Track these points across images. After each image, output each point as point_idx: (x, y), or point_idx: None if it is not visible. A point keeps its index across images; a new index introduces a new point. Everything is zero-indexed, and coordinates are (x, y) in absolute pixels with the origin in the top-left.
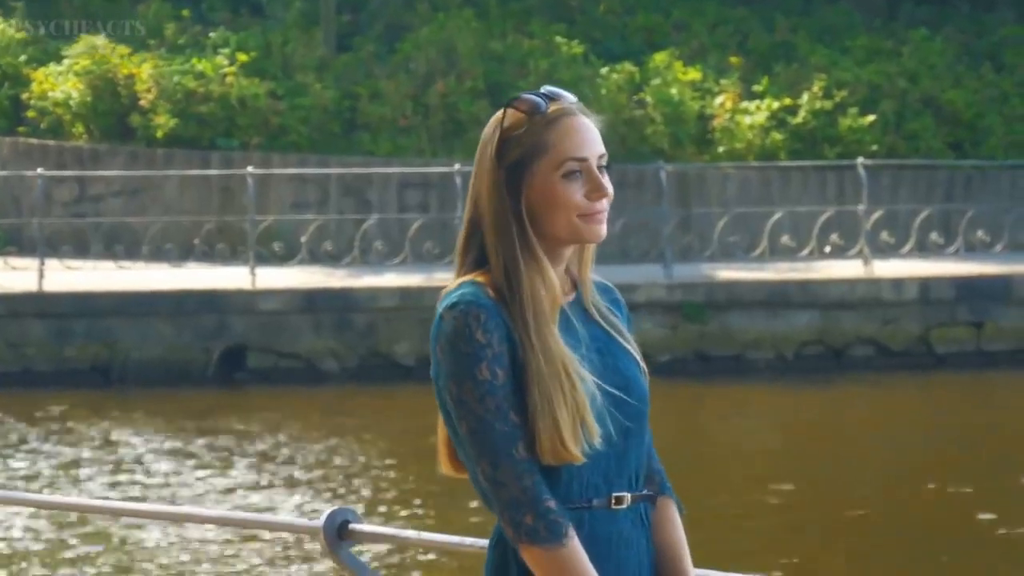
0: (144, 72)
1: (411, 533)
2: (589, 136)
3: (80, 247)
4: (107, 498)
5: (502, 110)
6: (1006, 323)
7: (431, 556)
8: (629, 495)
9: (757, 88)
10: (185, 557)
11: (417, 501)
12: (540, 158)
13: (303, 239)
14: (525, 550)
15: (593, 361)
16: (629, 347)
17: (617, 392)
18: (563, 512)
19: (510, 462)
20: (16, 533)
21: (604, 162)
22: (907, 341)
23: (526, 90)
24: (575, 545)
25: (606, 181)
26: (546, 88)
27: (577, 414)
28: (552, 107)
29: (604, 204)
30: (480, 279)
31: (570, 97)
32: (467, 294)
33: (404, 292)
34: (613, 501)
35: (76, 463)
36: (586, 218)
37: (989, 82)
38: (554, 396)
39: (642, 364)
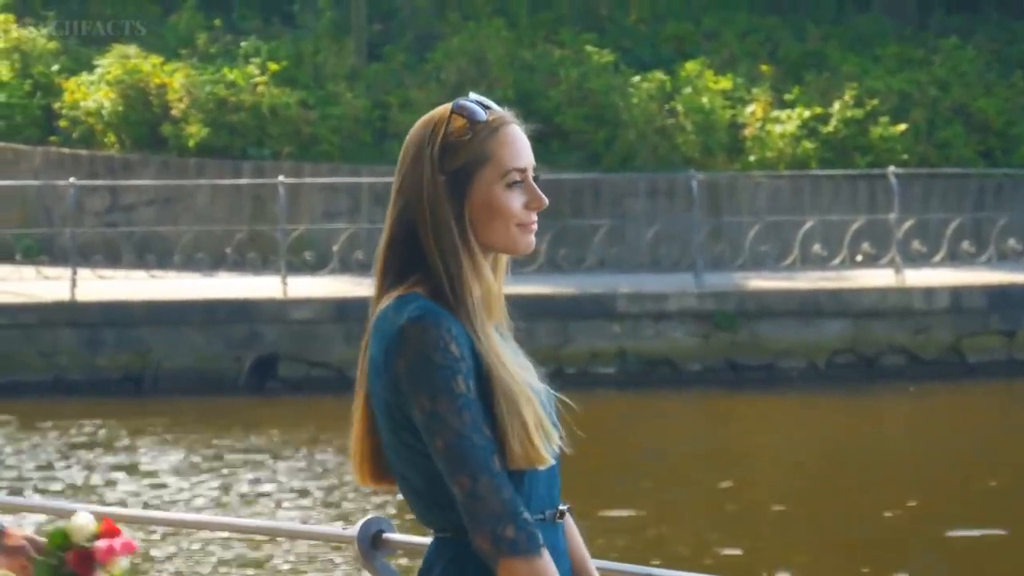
0: (176, 81)
1: None
2: (525, 146)
3: (112, 256)
4: (141, 508)
5: (444, 116)
6: None
7: None
8: (566, 508)
9: (788, 97)
10: (215, 568)
11: None
12: (484, 166)
13: (334, 248)
14: (506, 563)
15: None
16: (531, 361)
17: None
18: (535, 522)
19: (489, 476)
20: None
21: (535, 172)
22: (939, 350)
23: (460, 98)
24: (547, 554)
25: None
26: (474, 96)
27: (536, 417)
28: (490, 115)
29: (536, 215)
30: (419, 290)
31: (495, 106)
32: (426, 307)
33: None
34: (558, 515)
35: (106, 472)
36: (522, 228)
37: (1020, 90)
38: (520, 400)
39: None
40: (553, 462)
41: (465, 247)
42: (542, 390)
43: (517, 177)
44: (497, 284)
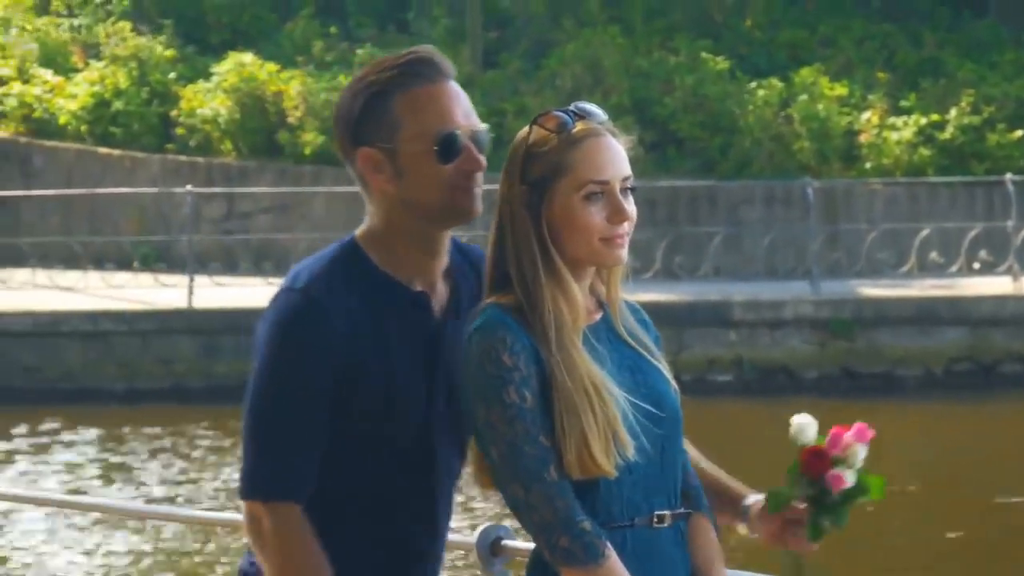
0: (292, 89)
1: None
2: (613, 158)
3: (229, 264)
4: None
5: (528, 126)
6: None
7: None
8: (669, 513)
9: (904, 104)
10: None
11: None
12: (562, 178)
13: None
14: (565, 572)
15: (623, 379)
16: (660, 365)
17: (651, 408)
18: (598, 531)
19: (541, 485)
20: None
21: (629, 184)
22: None
23: (556, 107)
24: (613, 563)
25: (629, 204)
26: (576, 105)
27: (608, 427)
28: (579, 126)
29: (625, 228)
30: (504, 300)
31: (600, 115)
32: (492, 317)
33: None
34: (655, 519)
35: (226, 480)
36: (607, 242)
37: None
38: (581, 410)
39: (673, 383)
40: (615, 473)
41: (544, 258)
42: (626, 401)
43: (596, 189)
44: (612, 291)
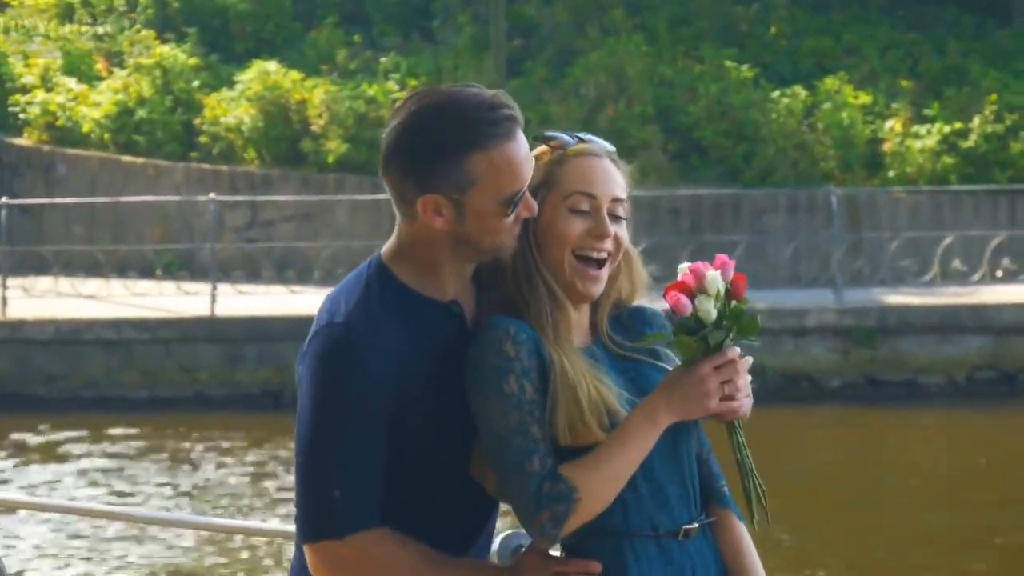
0: (315, 97)
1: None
2: (605, 177)
3: (252, 272)
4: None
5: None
6: None
7: None
8: (696, 524)
9: (928, 112)
10: None
11: None
12: (552, 189)
13: None
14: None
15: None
16: (666, 366)
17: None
18: (565, 486)
19: (521, 475)
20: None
21: (621, 212)
22: None
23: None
24: (583, 504)
25: (620, 229)
26: (582, 135)
27: (602, 403)
28: (579, 146)
29: (605, 246)
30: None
31: (603, 144)
32: (501, 317)
33: None
34: (681, 533)
35: (248, 487)
36: (580, 263)
37: None
38: (577, 385)
39: None
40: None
41: (538, 269)
42: (618, 391)
43: (582, 203)
44: (601, 319)
